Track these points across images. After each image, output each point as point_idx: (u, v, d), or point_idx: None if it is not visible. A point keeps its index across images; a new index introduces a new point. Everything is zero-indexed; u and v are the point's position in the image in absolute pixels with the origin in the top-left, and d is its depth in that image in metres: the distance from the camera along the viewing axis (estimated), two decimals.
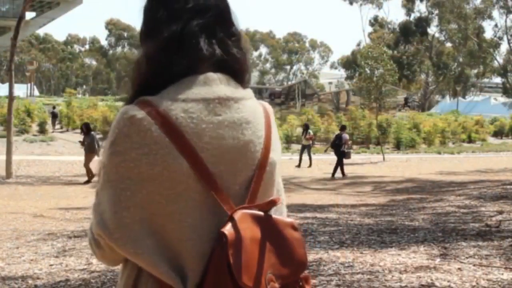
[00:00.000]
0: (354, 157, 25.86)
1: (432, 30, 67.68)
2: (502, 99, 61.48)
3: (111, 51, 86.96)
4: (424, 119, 37.54)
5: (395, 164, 22.35)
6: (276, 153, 1.22)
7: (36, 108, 30.85)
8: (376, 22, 73.52)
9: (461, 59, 65.11)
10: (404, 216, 8.32)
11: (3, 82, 54.97)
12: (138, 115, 1.10)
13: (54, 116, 31.00)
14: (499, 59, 65.91)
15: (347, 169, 17.86)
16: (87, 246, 6.26)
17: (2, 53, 57.83)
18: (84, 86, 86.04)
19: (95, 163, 15.34)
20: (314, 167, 20.50)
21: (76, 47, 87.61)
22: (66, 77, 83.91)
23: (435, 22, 66.31)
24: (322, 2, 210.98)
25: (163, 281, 1.10)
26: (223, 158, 1.13)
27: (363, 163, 22.46)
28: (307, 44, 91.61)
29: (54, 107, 32.77)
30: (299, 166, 20.31)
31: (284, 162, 19.56)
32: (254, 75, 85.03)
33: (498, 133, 41.01)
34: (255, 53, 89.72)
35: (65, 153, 23.25)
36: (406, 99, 51.32)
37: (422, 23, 66.34)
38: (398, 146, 32.32)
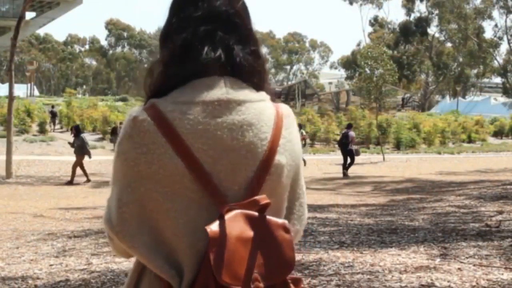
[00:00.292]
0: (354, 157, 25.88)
1: (432, 30, 67.78)
2: (502, 99, 61.47)
3: (111, 51, 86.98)
4: (424, 119, 37.55)
5: (395, 164, 22.36)
6: (286, 156, 1.22)
7: (36, 108, 30.89)
8: (376, 22, 73.54)
9: (461, 59, 65.11)
10: (404, 216, 8.32)
11: (3, 82, 54.99)
12: (140, 116, 1.17)
13: (53, 115, 31.04)
14: (499, 59, 65.98)
15: (342, 169, 17.88)
16: (87, 246, 6.26)
17: (2, 53, 57.83)
18: (84, 86, 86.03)
19: (86, 164, 15.37)
20: (314, 167, 20.50)
21: (76, 47, 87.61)
22: (66, 77, 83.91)
23: (435, 22, 66.38)
24: (322, 2, 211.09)
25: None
26: (220, 158, 1.15)
27: (363, 163, 22.44)
28: (307, 44, 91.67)
29: (53, 107, 32.83)
30: None
31: None
32: None
33: (498, 133, 41.02)
34: None
35: (65, 153, 23.24)
36: (403, 99, 51.34)
37: (422, 23, 66.35)
38: (398, 146, 32.34)
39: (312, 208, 9.64)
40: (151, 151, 1.14)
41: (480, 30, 62.91)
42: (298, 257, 5.34)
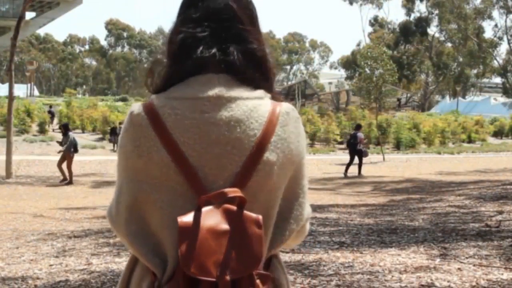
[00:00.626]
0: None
1: (432, 30, 67.79)
2: (502, 99, 61.46)
3: (110, 51, 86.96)
4: (424, 119, 37.54)
5: (395, 164, 22.37)
6: (278, 154, 1.22)
7: (36, 108, 30.88)
8: (376, 22, 73.55)
9: (461, 59, 65.10)
10: (404, 216, 8.32)
11: (3, 82, 54.99)
12: (136, 111, 1.23)
13: (51, 115, 31.09)
14: (499, 59, 65.98)
15: (344, 169, 17.88)
16: (87, 246, 6.26)
17: (2, 53, 57.80)
18: (84, 86, 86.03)
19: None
20: (314, 167, 20.50)
21: (76, 47, 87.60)
22: (66, 77, 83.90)
23: (435, 22, 66.39)
24: (322, 2, 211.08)
25: None
26: (206, 153, 1.18)
27: (363, 163, 22.40)
28: (307, 44, 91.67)
29: (50, 106, 32.91)
30: None
31: None
32: None
33: (498, 133, 41.01)
34: None
35: None
36: (399, 100, 51.28)
37: (422, 23, 66.35)
38: (398, 146, 32.34)
39: (312, 208, 9.56)
40: (142, 144, 1.20)
41: (480, 30, 62.91)
42: (298, 257, 5.35)
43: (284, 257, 5.32)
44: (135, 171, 1.21)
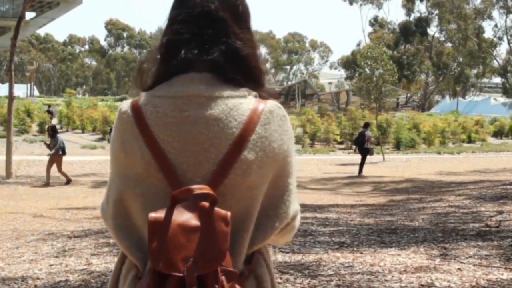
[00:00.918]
0: (354, 157, 25.86)
1: (432, 30, 67.77)
2: (502, 99, 61.40)
3: (110, 51, 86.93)
4: (424, 119, 37.48)
5: (395, 164, 22.35)
6: (257, 152, 1.22)
7: (36, 108, 30.86)
8: (376, 22, 73.53)
9: (461, 59, 65.08)
10: (404, 216, 8.32)
11: (3, 82, 54.97)
12: (123, 108, 1.28)
13: (51, 114, 31.12)
14: (498, 59, 65.97)
15: (346, 169, 17.89)
16: (87, 246, 6.26)
17: (2, 53, 57.81)
18: (84, 86, 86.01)
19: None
20: (313, 167, 20.50)
21: (76, 47, 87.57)
22: (66, 77, 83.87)
23: (435, 22, 66.37)
24: (322, 2, 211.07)
25: None
26: (184, 150, 1.21)
27: (366, 162, 22.41)
28: (307, 44, 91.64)
29: (49, 106, 32.94)
30: None
31: None
32: None
33: (498, 133, 40.97)
34: None
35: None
36: (397, 100, 51.24)
37: (422, 23, 66.34)
38: (398, 146, 32.31)
39: (312, 208, 9.63)
40: (127, 141, 1.24)
41: (480, 30, 62.90)
42: (298, 257, 5.34)
43: (284, 257, 5.32)
44: (122, 167, 1.26)
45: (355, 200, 11.31)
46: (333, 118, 34.19)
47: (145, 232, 1.18)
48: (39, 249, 6.28)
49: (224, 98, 1.24)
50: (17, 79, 26.25)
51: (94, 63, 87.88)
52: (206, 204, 1.15)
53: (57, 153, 14.76)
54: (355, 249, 5.70)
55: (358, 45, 74.65)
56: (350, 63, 69.16)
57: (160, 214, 1.14)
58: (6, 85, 25.25)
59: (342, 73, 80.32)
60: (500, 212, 8.24)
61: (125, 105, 1.29)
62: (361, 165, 17.66)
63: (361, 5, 69.93)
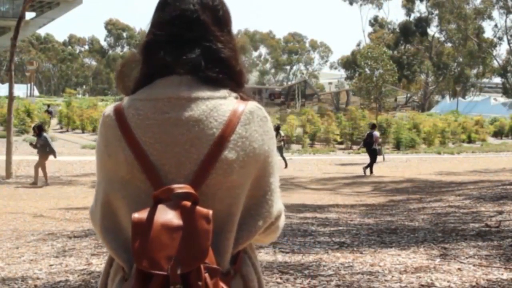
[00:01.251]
0: (354, 157, 25.88)
1: (432, 30, 67.77)
2: (502, 99, 61.40)
3: (110, 51, 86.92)
4: (424, 119, 37.48)
5: (395, 164, 22.34)
6: (238, 152, 1.24)
7: (36, 108, 30.86)
8: (376, 22, 73.53)
9: (461, 59, 65.09)
10: (404, 216, 8.32)
11: (3, 82, 54.94)
12: (106, 112, 1.31)
13: (50, 114, 31.15)
14: (498, 59, 65.96)
15: (346, 169, 17.89)
16: (87, 246, 6.26)
17: (2, 53, 57.81)
18: (84, 86, 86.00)
19: (49, 165, 15.07)
20: (314, 167, 20.50)
21: (76, 48, 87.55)
22: (66, 77, 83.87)
23: (435, 22, 66.37)
24: (322, 2, 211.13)
25: None
26: (166, 152, 1.24)
27: (363, 163, 22.42)
28: (307, 44, 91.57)
29: (48, 106, 32.97)
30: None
31: (283, 162, 19.55)
32: (254, 75, 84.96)
33: (498, 133, 40.98)
34: (255, 53, 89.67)
35: (65, 153, 23.22)
36: (395, 100, 51.22)
37: (422, 23, 66.34)
38: (398, 146, 32.31)
39: (312, 208, 9.64)
40: (111, 144, 1.27)
41: (480, 30, 62.91)
42: (298, 257, 5.35)
43: (284, 257, 5.32)
44: (107, 170, 1.29)
45: (355, 200, 11.31)
46: (333, 118, 34.20)
47: (129, 233, 1.19)
48: (39, 249, 6.28)
49: (204, 100, 1.26)
50: (17, 79, 26.24)
51: (94, 63, 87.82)
52: (188, 203, 1.17)
53: (45, 151, 14.63)
54: (355, 249, 5.70)
55: (358, 45, 74.70)
56: (350, 63, 69.15)
57: (143, 214, 1.16)
58: (6, 85, 25.26)
59: (342, 73, 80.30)
60: (500, 212, 8.24)
61: (108, 109, 1.31)
62: (371, 165, 17.80)
63: (361, 5, 70.00)
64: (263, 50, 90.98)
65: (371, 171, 17.68)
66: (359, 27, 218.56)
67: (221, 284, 1.17)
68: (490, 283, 4.33)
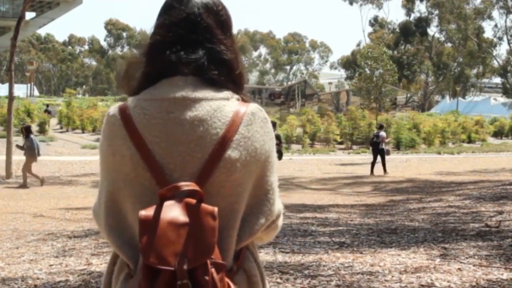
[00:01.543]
0: (354, 157, 25.89)
1: (432, 30, 67.77)
2: (502, 99, 61.39)
3: (110, 51, 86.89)
4: (424, 119, 37.46)
5: (395, 164, 22.33)
6: (241, 152, 1.28)
7: (36, 108, 30.86)
8: (376, 22, 73.54)
9: (461, 59, 65.08)
10: (404, 216, 8.32)
11: (3, 82, 54.96)
12: (111, 112, 1.33)
13: (49, 114, 31.17)
14: (498, 59, 65.96)
15: (345, 169, 17.90)
16: (87, 246, 6.26)
17: (2, 53, 57.80)
18: (84, 86, 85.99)
19: (36, 167, 14.95)
20: (314, 167, 20.50)
21: (76, 48, 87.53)
22: (66, 77, 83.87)
23: (435, 22, 66.37)
24: (322, 2, 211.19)
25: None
26: (171, 151, 1.27)
27: (363, 163, 22.41)
28: (307, 44, 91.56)
29: (47, 106, 32.99)
30: None
31: (283, 162, 19.54)
32: (254, 75, 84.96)
33: (498, 134, 40.95)
34: (255, 53, 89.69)
35: (65, 153, 23.24)
36: (394, 100, 51.14)
37: (422, 23, 66.34)
38: (398, 146, 32.30)
39: (312, 208, 9.64)
40: (115, 143, 1.29)
41: (480, 30, 62.90)
42: (298, 257, 5.35)
43: (284, 257, 5.32)
44: (111, 168, 1.31)
45: (355, 200, 11.31)
46: (333, 118, 34.19)
47: (136, 231, 1.22)
48: (39, 249, 6.28)
49: (208, 100, 1.30)
50: (17, 79, 26.25)
51: (94, 63, 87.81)
52: (194, 200, 1.20)
53: (34, 153, 14.48)
54: (355, 249, 5.70)
55: (358, 45, 74.67)
56: (350, 63, 69.17)
57: (149, 212, 1.18)
58: (6, 85, 25.27)
59: (342, 73, 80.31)
60: (500, 212, 8.24)
61: (113, 109, 1.34)
62: (383, 164, 17.89)
63: (361, 5, 70.02)
64: (263, 50, 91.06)
65: (372, 171, 17.75)
66: (359, 27, 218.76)
67: (225, 277, 1.20)
68: (490, 283, 4.33)
